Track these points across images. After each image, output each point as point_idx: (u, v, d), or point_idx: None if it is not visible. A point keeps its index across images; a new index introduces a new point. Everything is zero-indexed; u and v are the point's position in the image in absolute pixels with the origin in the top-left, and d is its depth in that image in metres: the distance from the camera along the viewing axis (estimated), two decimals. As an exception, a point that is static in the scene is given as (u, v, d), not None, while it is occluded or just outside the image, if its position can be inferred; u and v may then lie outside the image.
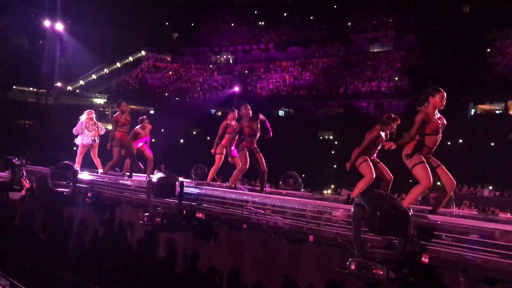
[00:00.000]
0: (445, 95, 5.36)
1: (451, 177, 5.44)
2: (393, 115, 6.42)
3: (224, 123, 8.68)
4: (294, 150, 28.99)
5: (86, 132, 9.99)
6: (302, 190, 9.71)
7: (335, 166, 27.40)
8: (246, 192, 7.45)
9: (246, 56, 45.37)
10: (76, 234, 9.26)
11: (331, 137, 35.37)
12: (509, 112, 30.56)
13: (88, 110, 10.40)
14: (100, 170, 10.00)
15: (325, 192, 21.18)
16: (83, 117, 10.12)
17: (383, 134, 6.32)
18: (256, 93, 40.20)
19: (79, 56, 38.24)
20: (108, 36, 39.93)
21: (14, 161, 9.22)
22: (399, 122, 6.40)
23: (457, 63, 32.91)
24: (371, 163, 6.23)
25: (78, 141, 10.15)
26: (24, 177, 8.99)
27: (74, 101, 39.61)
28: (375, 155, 6.40)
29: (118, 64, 46.37)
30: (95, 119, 10.24)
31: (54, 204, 9.03)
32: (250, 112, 7.74)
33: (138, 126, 9.81)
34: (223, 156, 8.74)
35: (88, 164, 10.72)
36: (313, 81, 39.56)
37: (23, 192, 8.34)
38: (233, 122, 8.62)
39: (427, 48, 35.38)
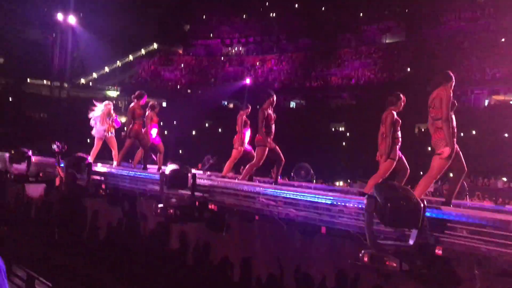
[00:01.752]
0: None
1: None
2: (400, 94, 6.41)
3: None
4: (305, 142, 28.92)
5: (98, 125, 9.94)
6: (318, 182, 9.71)
7: (347, 157, 27.30)
8: (259, 183, 7.46)
9: (257, 48, 45.19)
10: (90, 225, 9.37)
11: (343, 129, 35.22)
12: (524, 102, 30.13)
13: (106, 102, 10.21)
14: (115, 162, 10.00)
15: (337, 183, 21.12)
16: (100, 109, 9.93)
17: (396, 116, 6.33)
18: (267, 84, 40.07)
19: (92, 49, 38.44)
20: (120, 29, 40.05)
21: (54, 146, 8.69)
22: (404, 100, 6.41)
23: (472, 53, 32.50)
24: (394, 164, 6.20)
25: (93, 132, 10.06)
26: (60, 165, 8.32)
27: (87, 94, 39.95)
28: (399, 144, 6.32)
29: (131, 57, 46.53)
30: (112, 111, 10.03)
31: (72, 196, 9.08)
32: None
33: (151, 111, 9.80)
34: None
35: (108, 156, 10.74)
36: (324, 72, 39.32)
37: (57, 181, 7.85)
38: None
39: (440, 39, 34.95)
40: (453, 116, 5.44)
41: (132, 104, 9.79)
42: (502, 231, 3.98)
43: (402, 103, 6.41)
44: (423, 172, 5.57)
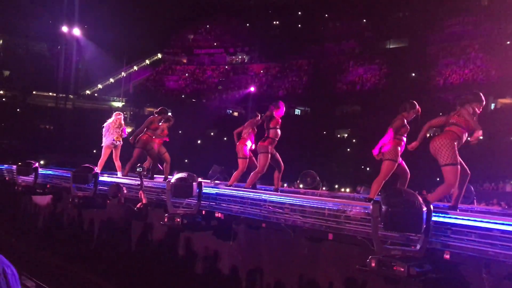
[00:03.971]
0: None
1: None
2: (416, 104, 6.37)
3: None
4: (311, 149, 28.92)
5: (108, 134, 10.01)
6: (323, 189, 9.67)
7: (352, 164, 27.24)
8: (265, 191, 7.47)
9: (261, 55, 45.33)
10: (98, 235, 9.40)
11: (347, 135, 35.20)
12: (530, 105, 30.01)
13: (116, 112, 10.45)
14: (119, 173, 10.06)
15: (342, 190, 21.08)
16: (111, 119, 10.08)
17: (406, 122, 6.29)
18: (271, 92, 40.17)
19: (96, 60, 38.76)
20: (124, 40, 40.35)
21: (139, 169, 8.20)
22: (419, 111, 6.37)
23: (477, 56, 32.46)
24: (395, 165, 6.16)
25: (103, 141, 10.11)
26: (143, 189, 7.58)
27: (92, 105, 40.21)
28: (401, 148, 6.28)
29: (135, 67, 46.83)
30: (122, 121, 10.18)
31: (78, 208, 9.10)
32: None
33: (164, 122, 9.90)
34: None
35: (109, 167, 10.78)
36: (329, 79, 39.36)
37: (138, 207, 7.37)
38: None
39: (444, 43, 34.93)
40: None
41: (152, 116, 9.98)
42: (508, 234, 3.98)
43: (415, 113, 6.35)
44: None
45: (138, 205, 7.08)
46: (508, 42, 31.73)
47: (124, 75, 45.31)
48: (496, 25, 32.98)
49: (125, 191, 7.18)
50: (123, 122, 10.23)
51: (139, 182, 7.77)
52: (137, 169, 7.67)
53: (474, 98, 5.71)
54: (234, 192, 7.15)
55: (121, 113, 10.46)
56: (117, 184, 7.44)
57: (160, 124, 9.83)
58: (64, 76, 38.17)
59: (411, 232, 4.36)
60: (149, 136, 9.67)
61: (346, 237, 5.17)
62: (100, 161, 10.02)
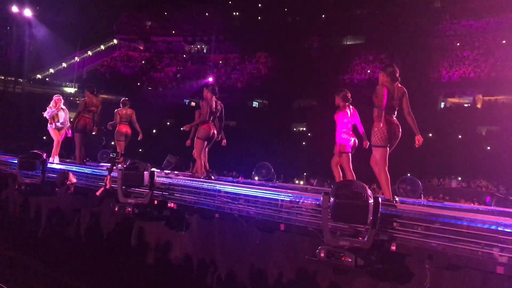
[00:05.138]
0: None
1: None
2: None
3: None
4: (268, 141, 29.08)
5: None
6: (278, 181, 9.79)
7: (307, 157, 27.63)
8: (219, 182, 7.46)
9: (220, 46, 45.03)
10: (45, 224, 9.11)
11: (304, 129, 35.62)
12: (477, 105, 31.35)
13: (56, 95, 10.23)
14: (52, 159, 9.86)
15: (297, 182, 21.35)
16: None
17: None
18: (230, 84, 40.02)
19: (49, 43, 37.28)
20: (79, 24, 38.98)
21: (113, 154, 7.77)
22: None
23: (429, 56, 33.54)
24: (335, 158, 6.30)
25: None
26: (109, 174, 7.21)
27: (43, 90, 38.67)
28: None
29: (90, 53, 45.43)
30: (62, 106, 9.98)
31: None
32: None
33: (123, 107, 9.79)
34: None
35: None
36: (287, 73, 39.59)
37: (98, 193, 7.09)
38: None
39: (398, 42, 35.86)
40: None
41: (84, 98, 9.83)
42: (450, 227, 4.15)
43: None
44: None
45: (98, 191, 6.87)
46: (458, 44, 33.01)
47: (78, 60, 43.88)
48: (448, 26, 34.23)
49: (74, 180, 6.96)
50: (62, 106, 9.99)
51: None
52: (111, 155, 7.43)
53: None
54: (188, 182, 7.10)
55: (59, 95, 10.22)
56: (65, 171, 7.20)
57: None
58: (13, 59, 36.53)
59: (358, 223, 4.47)
60: (85, 118, 9.58)
61: (297, 228, 5.24)
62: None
